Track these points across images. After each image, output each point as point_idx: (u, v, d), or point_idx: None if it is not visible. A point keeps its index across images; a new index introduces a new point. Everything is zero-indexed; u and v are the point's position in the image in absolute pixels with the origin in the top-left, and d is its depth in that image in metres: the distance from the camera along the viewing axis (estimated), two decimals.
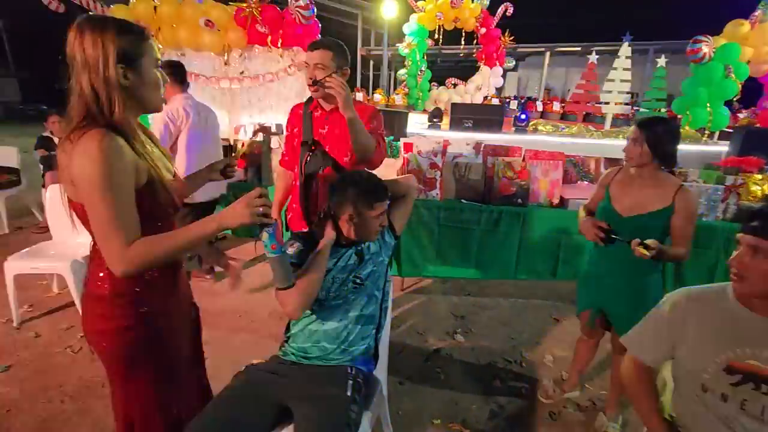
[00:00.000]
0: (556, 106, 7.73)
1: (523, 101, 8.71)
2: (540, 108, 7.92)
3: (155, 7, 4.25)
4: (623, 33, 4.58)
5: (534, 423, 1.89)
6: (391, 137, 3.43)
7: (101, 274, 1.02)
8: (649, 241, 1.44)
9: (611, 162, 3.11)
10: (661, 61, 4.64)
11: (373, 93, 8.89)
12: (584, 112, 5.55)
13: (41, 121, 4.44)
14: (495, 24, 8.18)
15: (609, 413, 1.87)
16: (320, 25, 4.47)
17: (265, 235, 1.04)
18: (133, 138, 0.98)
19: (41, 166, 4.09)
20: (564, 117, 7.50)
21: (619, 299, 1.71)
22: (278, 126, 4.13)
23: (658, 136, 1.55)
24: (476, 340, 2.53)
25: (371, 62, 12.90)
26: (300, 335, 1.40)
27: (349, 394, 1.25)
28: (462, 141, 3.05)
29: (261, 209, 0.97)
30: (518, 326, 2.70)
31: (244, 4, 4.20)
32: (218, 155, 2.77)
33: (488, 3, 8.08)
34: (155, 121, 2.48)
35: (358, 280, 1.41)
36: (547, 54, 10.29)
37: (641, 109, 5.45)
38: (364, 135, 1.60)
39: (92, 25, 0.92)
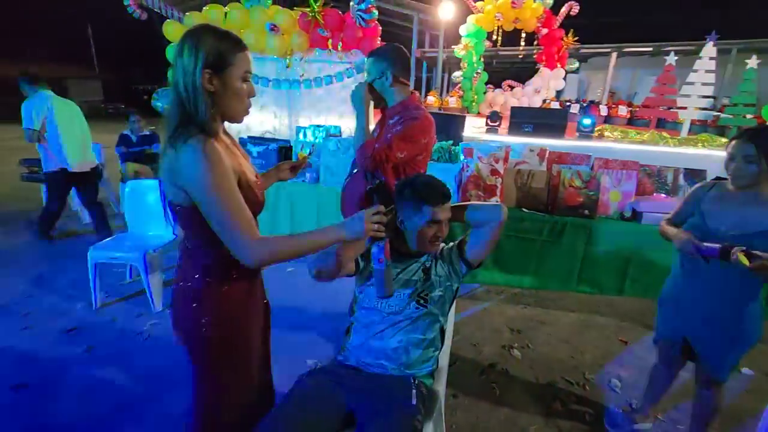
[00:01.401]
0: (623, 111, 7.26)
1: (585, 105, 8.28)
2: (604, 112, 7.48)
3: (226, 14, 4.47)
4: (704, 31, 4.21)
5: None
6: (450, 141, 3.35)
7: (196, 273, 1.07)
8: (756, 252, 1.27)
9: (692, 173, 2.84)
10: (752, 62, 4.21)
11: (426, 95, 8.83)
12: (656, 118, 5.17)
13: (120, 119, 4.83)
14: (558, 24, 7.83)
15: None
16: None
17: (375, 249, 1.13)
18: (219, 142, 1.02)
19: (120, 162, 4.44)
20: (631, 122, 7.03)
21: (710, 329, 1.53)
22: (337, 127, 4.19)
23: None
24: (534, 356, 2.41)
25: (425, 64, 12.82)
26: (360, 349, 1.38)
27: (414, 403, 1.22)
28: (525, 147, 2.92)
29: (376, 225, 1.05)
30: (580, 345, 2.54)
31: (308, 9, 4.31)
32: None
33: (552, 2, 7.76)
34: None
35: (422, 301, 1.36)
36: (614, 55, 9.68)
37: (724, 115, 4.98)
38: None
39: (192, 32, 0.98)
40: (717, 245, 1.34)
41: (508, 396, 2.07)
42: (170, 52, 4.64)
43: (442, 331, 1.44)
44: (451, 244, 1.45)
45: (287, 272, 3.28)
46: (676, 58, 4.29)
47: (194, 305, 1.08)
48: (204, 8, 4.54)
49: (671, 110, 4.46)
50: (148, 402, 1.91)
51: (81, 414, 1.83)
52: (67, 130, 3.37)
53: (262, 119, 4.93)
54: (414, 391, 1.28)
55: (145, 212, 2.85)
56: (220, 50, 0.98)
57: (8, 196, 5.45)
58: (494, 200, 2.72)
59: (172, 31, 4.54)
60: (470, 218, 1.37)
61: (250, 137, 3.57)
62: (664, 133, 4.48)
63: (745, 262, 1.26)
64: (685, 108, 4.46)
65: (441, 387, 1.51)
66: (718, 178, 1.59)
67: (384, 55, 1.70)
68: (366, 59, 1.75)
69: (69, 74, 24.52)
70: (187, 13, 4.58)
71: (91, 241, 2.91)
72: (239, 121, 1.10)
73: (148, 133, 4.61)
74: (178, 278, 1.11)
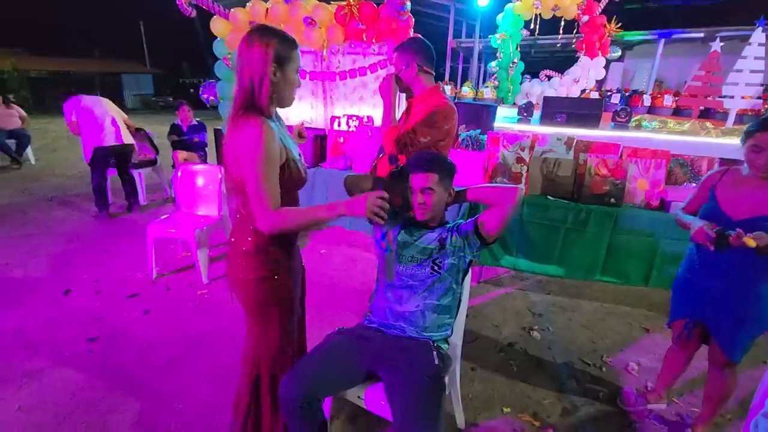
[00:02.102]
0: (668, 100, 6.97)
1: (627, 94, 7.97)
2: (647, 102, 7.20)
3: (267, 9, 4.71)
4: (756, 16, 3.99)
5: (610, 428, 1.84)
6: (478, 130, 3.43)
7: (248, 236, 1.27)
8: (758, 233, 1.32)
9: (727, 163, 2.78)
10: None
11: (461, 86, 8.80)
12: (701, 107, 4.94)
13: (170, 112, 5.23)
14: (600, 10, 7.55)
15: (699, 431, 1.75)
16: (413, 17, 4.57)
17: (378, 234, 1.24)
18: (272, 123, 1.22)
19: (172, 149, 4.82)
20: (677, 112, 6.72)
21: (725, 311, 1.57)
22: (369, 118, 4.35)
23: None
24: (553, 338, 2.49)
25: (461, 54, 12.69)
26: (382, 311, 1.54)
27: (437, 363, 1.37)
28: (552, 136, 2.96)
29: (376, 209, 1.15)
30: (601, 331, 2.59)
31: (344, 2, 4.47)
32: None
33: None
34: None
35: (436, 267, 1.49)
36: (661, 42, 9.21)
37: None
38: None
39: (260, 32, 1.17)
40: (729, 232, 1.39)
41: (525, 372, 2.18)
42: (218, 47, 4.95)
43: (457, 301, 1.57)
44: (469, 219, 1.58)
45: (320, 253, 3.51)
46: (722, 44, 4.10)
47: (246, 263, 1.28)
48: (248, 4, 4.80)
49: (716, 99, 4.28)
50: (197, 357, 2.17)
51: (141, 363, 2.12)
52: (90, 119, 4.13)
53: (299, 110, 5.17)
54: (434, 352, 1.43)
55: (195, 194, 3.15)
56: (284, 48, 1.18)
57: (75, 180, 6.03)
58: (521, 187, 2.79)
59: (219, 27, 4.83)
60: (474, 199, 1.54)
61: (288, 126, 3.79)
62: (708, 123, 4.31)
63: (752, 243, 1.31)
64: (732, 97, 4.26)
65: (455, 352, 1.65)
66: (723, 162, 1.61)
67: (409, 47, 1.84)
68: (394, 53, 1.89)
69: (123, 70, 26.08)
70: (232, 9, 4.85)
71: (143, 220, 3.26)
72: (288, 105, 1.30)
73: (196, 123, 4.96)
74: (233, 241, 1.32)
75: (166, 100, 24.41)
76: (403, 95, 1.97)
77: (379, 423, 1.70)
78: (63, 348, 2.21)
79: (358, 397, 1.42)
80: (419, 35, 1.89)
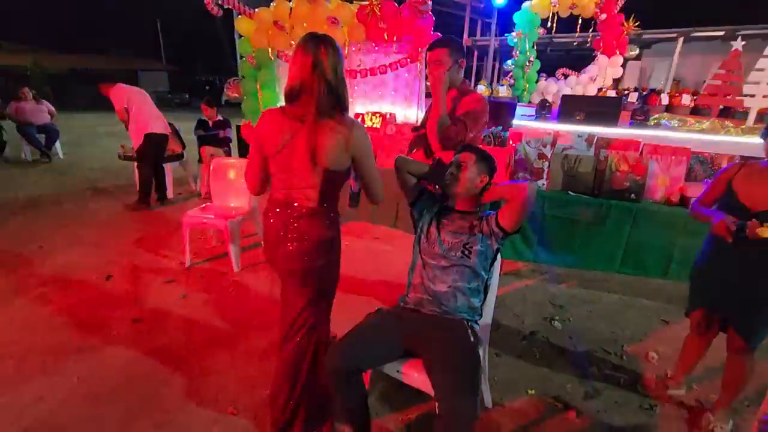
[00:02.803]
0: (686, 99, 6.93)
1: (645, 93, 7.94)
2: (665, 101, 7.17)
3: (291, 9, 4.84)
4: None
5: (630, 411, 1.92)
6: (500, 127, 3.51)
7: (327, 229, 1.46)
8: None
9: (745, 160, 2.83)
10: None
11: (476, 84, 8.84)
12: (721, 107, 4.94)
13: (185, 108, 5.41)
14: (618, 8, 7.53)
15: (717, 416, 1.82)
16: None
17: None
18: None
19: (198, 144, 4.99)
20: (696, 111, 6.69)
21: (743, 299, 1.65)
22: (391, 115, 4.45)
23: None
24: (574, 328, 2.57)
25: (476, 52, 12.70)
26: (417, 288, 1.65)
27: (472, 340, 1.48)
28: (573, 134, 3.03)
29: None
30: (621, 322, 2.66)
31: (366, 2, 4.57)
32: None
33: None
34: None
35: (466, 252, 1.60)
36: (680, 40, 9.13)
37: None
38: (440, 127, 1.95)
39: (332, 41, 1.34)
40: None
41: (547, 359, 2.27)
42: (243, 46, 5.09)
43: (484, 286, 1.68)
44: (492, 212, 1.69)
45: (345, 245, 3.61)
46: (743, 42, 4.11)
47: (326, 252, 1.48)
48: (272, 3, 4.93)
49: (736, 98, 4.29)
50: (235, 338, 2.31)
51: (184, 342, 2.26)
52: (142, 106, 4.35)
53: None
54: (469, 331, 1.54)
55: (227, 187, 3.29)
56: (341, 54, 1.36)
57: (103, 172, 6.25)
58: (541, 182, 2.88)
59: (244, 26, 4.97)
60: (489, 200, 1.68)
61: None
62: (727, 122, 4.33)
63: (766, 233, 1.39)
64: (752, 96, 4.27)
65: (485, 335, 1.75)
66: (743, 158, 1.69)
67: (456, 45, 1.96)
68: (436, 49, 1.95)
69: (140, 67, 26.54)
70: (256, 9, 4.98)
71: (171, 213, 3.39)
72: None
73: (220, 119, 5.12)
74: (310, 235, 1.44)
75: (182, 96, 24.77)
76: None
77: (412, 396, 1.81)
78: (111, 327, 2.36)
79: (397, 371, 1.53)
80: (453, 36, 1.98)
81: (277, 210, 1.45)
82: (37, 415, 1.75)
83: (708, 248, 1.79)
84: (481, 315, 1.68)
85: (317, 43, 1.30)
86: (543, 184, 2.88)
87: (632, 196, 2.71)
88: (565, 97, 4.75)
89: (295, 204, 1.42)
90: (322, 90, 1.29)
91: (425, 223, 1.69)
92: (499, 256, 1.72)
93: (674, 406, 1.95)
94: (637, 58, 10.63)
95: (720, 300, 1.73)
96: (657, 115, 4.60)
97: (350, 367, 1.42)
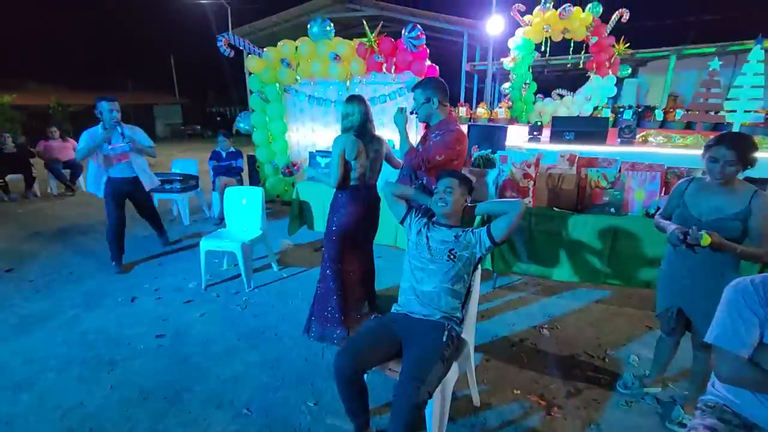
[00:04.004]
0: (679, 115, 7.15)
1: (639, 110, 8.18)
2: (659, 117, 7.40)
3: (296, 48, 5.26)
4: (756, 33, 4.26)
5: (609, 407, 2.09)
6: (489, 150, 3.77)
7: None
8: (710, 232, 1.60)
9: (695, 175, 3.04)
10: None
11: (476, 107, 9.19)
12: (713, 122, 5.15)
13: (197, 139, 5.78)
14: (608, 32, 7.88)
15: (688, 410, 1.98)
16: (429, 44, 5.02)
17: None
18: None
19: (212, 173, 5.35)
20: (690, 126, 6.90)
21: (698, 299, 1.85)
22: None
23: (750, 156, 1.68)
24: (561, 335, 2.75)
25: (476, 76, 13.16)
26: (407, 292, 1.90)
27: (444, 340, 1.71)
28: (558, 153, 3.28)
29: None
30: (606, 329, 2.83)
31: (365, 39, 4.97)
32: None
33: (601, 10, 7.84)
34: None
35: (452, 255, 1.85)
36: (673, 57, 9.43)
37: None
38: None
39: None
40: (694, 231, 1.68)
41: (534, 363, 2.45)
42: (253, 82, 5.52)
43: (467, 289, 1.91)
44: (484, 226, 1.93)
45: None
46: (720, 63, 4.37)
47: None
48: (279, 43, 5.36)
49: (718, 114, 4.51)
50: (250, 350, 2.55)
51: (203, 354, 2.50)
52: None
53: (326, 135, 5.65)
54: (446, 332, 1.76)
55: (239, 213, 3.59)
56: None
57: None
58: (527, 200, 3.12)
59: (254, 64, 5.40)
60: (481, 212, 1.96)
61: (318, 151, 4.24)
62: (711, 137, 4.53)
63: (707, 242, 1.60)
64: (734, 111, 4.49)
65: (469, 337, 1.96)
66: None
67: (428, 85, 2.25)
68: (413, 91, 2.29)
69: (154, 101, 27.74)
70: (265, 49, 5.43)
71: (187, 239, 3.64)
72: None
73: (233, 150, 5.49)
74: None
75: (194, 128, 25.75)
76: (420, 124, 2.38)
77: None
78: (138, 342, 2.62)
79: (389, 369, 1.76)
80: (436, 75, 2.30)
81: None
82: (79, 417, 2.00)
83: (668, 255, 2.00)
84: (462, 315, 1.90)
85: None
86: (529, 202, 3.11)
87: (612, 210, 2.92)
88: (555, 119, 5.03)
89: None
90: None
91: (415, 234, 1.95)
92: (480, 265, 1.97)
93: (649, 404, 2.11)
94: (632, 76, 10.93)
95: (680, 301, 1.93)
96: (644, 132, 4.83)
97: (356, 367, 1.65)
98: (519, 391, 2.19)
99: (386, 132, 5.29)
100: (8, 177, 6.91)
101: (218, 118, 27.91)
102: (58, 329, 2.80)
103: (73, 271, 3.77)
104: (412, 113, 2.33)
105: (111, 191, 3.67)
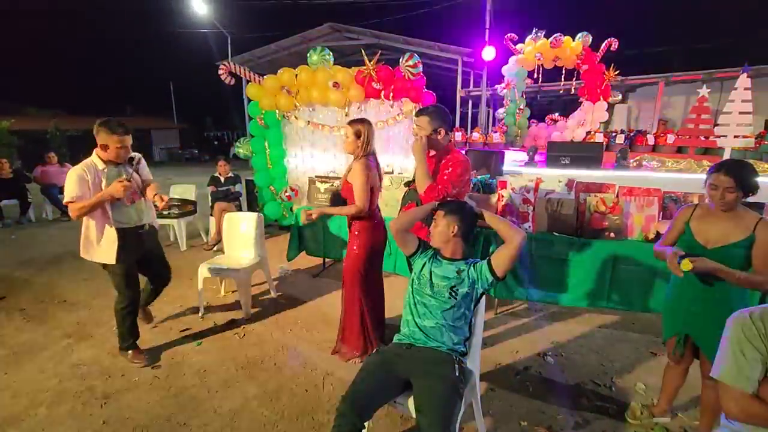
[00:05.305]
0: (671, 139, 7.30)
1: (631, 135, 8.35)
2: (651, 141, 7.55)
3: (296, 75, 5.36)
4: (745, 59, 4.40)
5: None
6: (487, 175, 3.81)
7: None
8: (693, 258, 1.62)
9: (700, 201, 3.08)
10: None
11: (471, 131, 9.34)
12: (704, 147, 5.26)
13: (194, 163, 5.80)
14: (599, 60, 8.11)
15: None
16: (425, 71, 5.13)
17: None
18: None
19: (210, 200, 5.33)
20: (681, 150, 7.04)
21: (706, 327, 1.83)
22: (388, 165, 4.80)
23: (750, 183, 1.69)
24: (566, 363, 2.70)
25: (470, 101, 13.45)
26: (408, 324, 1.87)
27: (456, 374, 1.66)
28: (556, 178, 3.31)
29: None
30: (611, 355, 2.79)
31: (364, 67, 5.08)
32: None
33: (591, 40, 8.10)
34: None
35: (453, 293, 1.82)
36: (661, 84, 9.71)
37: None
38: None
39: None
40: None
41: (540, 392, 2.40)
42: (252, 108, 5.59)
43: (469, 324, 1.88)
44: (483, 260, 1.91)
45: None
46: (708, 90, 4.50)
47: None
48: (279, 71, 5.46)
49: (709, 139, 4.61)
50: (247, 381, 2.47)
51: (200, 386, 2.43)
52: None
53: (324, 160, 5.69)
54: (456, 365, 1.72)
55: (238, 239, 3.56)
56: None
57: None
58: (527, 225, 3.13)
59: (254, 91, 5.49)
60: (487, 225, 1.92)
61: (317, 176, 4.26)
62: (704, 161, 4.62)
63: (688, 267, 1.61)
64: (724, 136, 4.59)
65: (475, 368, 1.92)
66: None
67: (437, 115, 2.26)
68: (419, 116, 2.28)
69: (152, 126, 27.97)
70: (265, 76, 5.52)
71: (185, 265, 3.62)
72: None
73: (232, 175, 5.50)
74: None
75: (192, 152, 25.86)
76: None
77: (406, 422, 1.96)
78: (132, 374, 2.54)
79: (401, 404, 1.70)
80: (434, 102, 2.34)
81: None
82: None
83: (674, 281, 1.99)
84: (467, 349, 1.86)
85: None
86: (529, 227, 3.12)
87: (611, 234, 2.93)
88: (551, 144, 5.12)
89: None
90: None
91: (419, 268, 1.92)
92: (483, 298, 1.93)
93: None
94: (623, 101, 11.21)
95: (688, 328, 1.91)
96: (638, 156, 4.91)
97: (362, 415, 1.55)
98: (526, 422, 2.13)
99: (384, 158, 5.35)
100: (3, 202, 6.86)
101: (216, 142, 28.12)
102: (49, 360, 2.71)
103: (66, 299, 3.70)
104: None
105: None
